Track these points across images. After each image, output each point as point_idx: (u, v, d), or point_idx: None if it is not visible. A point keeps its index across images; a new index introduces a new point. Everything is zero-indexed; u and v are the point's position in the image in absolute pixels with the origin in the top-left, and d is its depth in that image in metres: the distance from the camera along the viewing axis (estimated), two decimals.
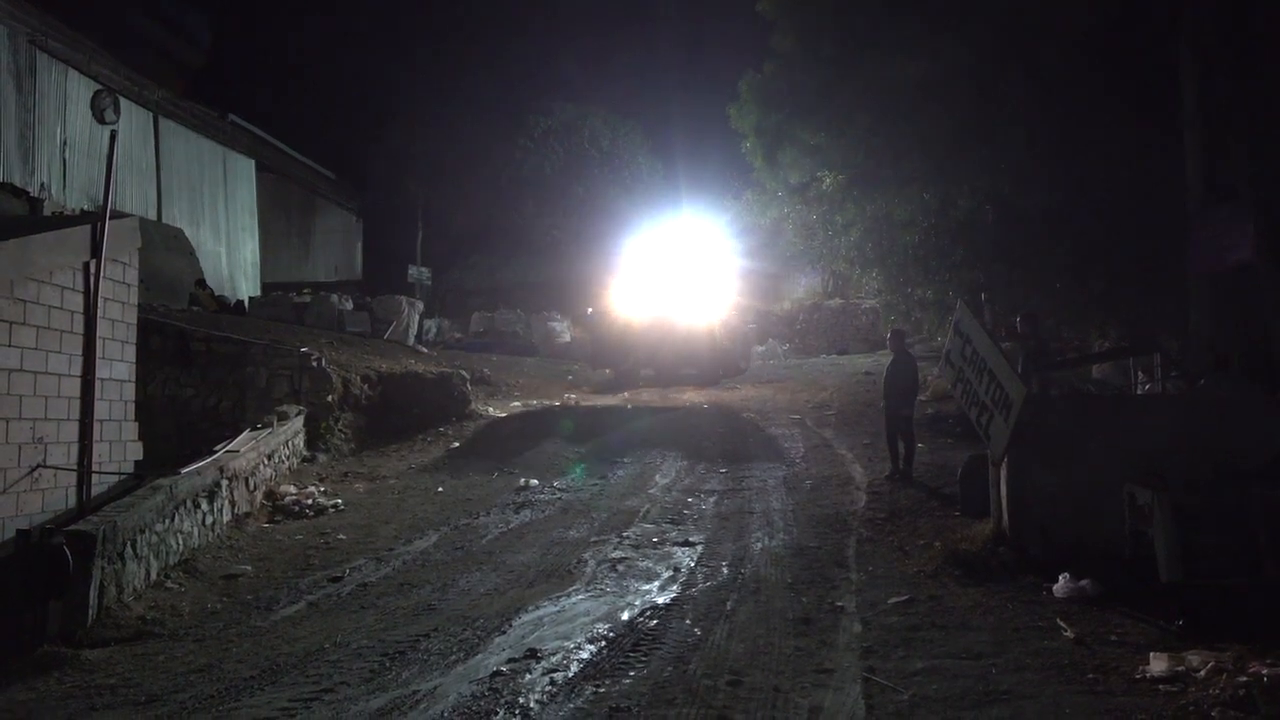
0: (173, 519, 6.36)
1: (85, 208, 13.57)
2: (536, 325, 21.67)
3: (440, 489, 8.69)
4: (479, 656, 4.43)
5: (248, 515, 7.68)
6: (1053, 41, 10.21)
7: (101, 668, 4.73)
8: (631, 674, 4.15)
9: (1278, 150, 8.52)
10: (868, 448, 9.80)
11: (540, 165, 26.41)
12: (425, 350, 16.97)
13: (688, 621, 4.89)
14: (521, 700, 3.87)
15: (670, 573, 5.91)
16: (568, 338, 21.29)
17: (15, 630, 5.01)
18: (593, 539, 6.80)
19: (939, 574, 5.73)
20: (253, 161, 20.64)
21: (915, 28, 11.10)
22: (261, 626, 5.25)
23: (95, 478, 6.39)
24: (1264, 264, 8.40)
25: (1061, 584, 5.21)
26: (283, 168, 22.79)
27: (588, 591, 5.50)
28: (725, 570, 5.94)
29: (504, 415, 12.25)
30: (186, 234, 17.42)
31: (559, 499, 8.15)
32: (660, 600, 5.29)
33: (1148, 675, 3.99)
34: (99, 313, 6.64)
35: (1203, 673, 3.93)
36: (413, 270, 23.35)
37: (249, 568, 6.49)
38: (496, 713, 3.75)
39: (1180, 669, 3.97)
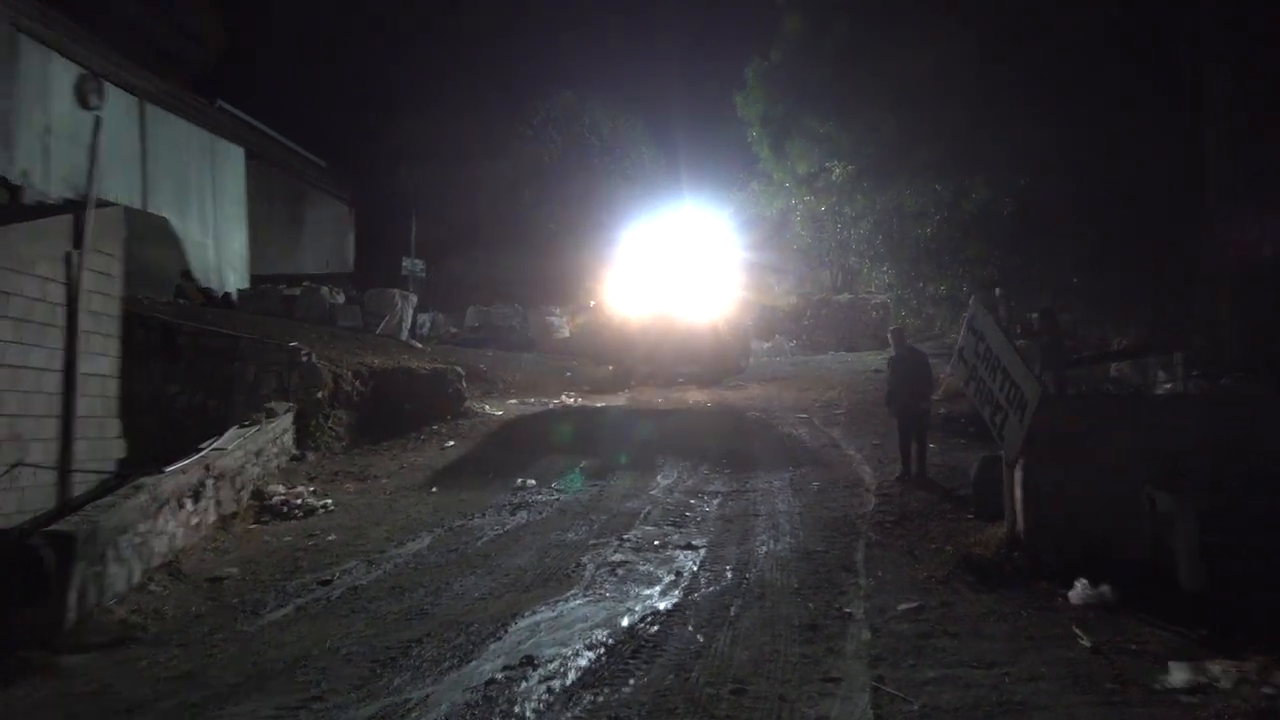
0: (156, 519, 6.35)
1: (68, 196, 13.50)
2: (534, 320, 21.67)
3: (434, 489, 8.69)
4: (473, 663, 4.41)
5: (234, 516, 7.67)
6: (1074, 26, 10.17)
7: (80, 674, 4.72)
8: (631, 682, 4.14)
9: None
10: (877, 448, 9.78)
11: (538, 154, 26.40)
12: (419, 345, 16.96)
13: (690, 628, 4.88)
14: (517, 709, 3.85)
15: (672, 577, 5.89)
16: (566, 333, 21.27)
17: None
18: (592, 542, 6.78)
19: (950, 579, 5.70)
20: (242, 149, 20.61)
21: (930, 11, 11.05)
22: (248, 631, 5.24)
23: (76, 476, 6.38)
24: None
25: (1078, 590, 5.18)
26: (273, 155, 22.76)
27: (586, 596, 5.48)
28: (729, 575, 5.92)
29: (500, 413, 12.23)
30: (173, 224, 17.39)
31: (557, 500, 8.14)
32: (661, 606, 5.27)
33: (1168, 686, 3.96)
34: (81, 305, 6.63)
35: (1226, 683, 3.90)
36: (406, 262, 23.31)
37: (235, 570, 6.48)
38: None
39: (1202, 680, 3.95)
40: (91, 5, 16.68)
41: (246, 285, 19.70)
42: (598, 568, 6.10)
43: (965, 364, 7.00)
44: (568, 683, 4.12)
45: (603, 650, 4.52)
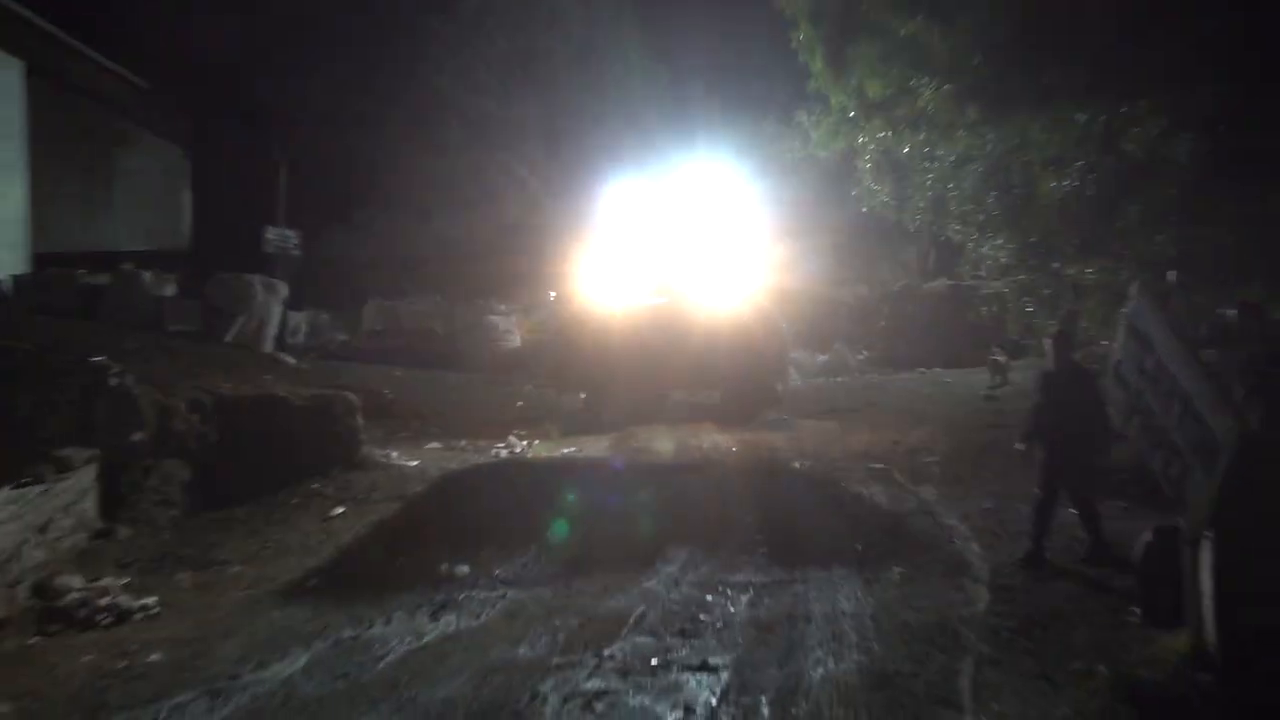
0: None
1: None
2: (467, 321, 21.74)
3: (314, 581, 8.66)
4: None
5: (3, 624, 7.60)
6: None
7: None
8: None
9: None
10: (989, 515, 9.80)
11: (471, 68, 26.47)
12: (291, 361, 16.95)
13: None
14: None
15: (679, 717, 5.85)
16: (516, 340, 21.31)
17: None
18: (556, 661, 6.73)
19: (1106, 718, 5.67)
20: (20, 63, 20.60)
21: None
22: None
23: None
24: None
25: None
26: (69, 73, 22.76)
27: None
28: (766, 713, 5.89)
29: (415, 464, 12.22)
30: None
31: (503, 598, 8.11)
32: None
33: None
34: None
35: None
36: (272, 234, 23.31)
37: (4, 709, 6.41)
38: None
39: None
40: None
41: (27, 268, 19.68)
42: (565, 701, 6.06)
43: (1125, 387, 7.01)
44: None
45: None
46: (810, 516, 10.21)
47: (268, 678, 6.72)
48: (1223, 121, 12.19)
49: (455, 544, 9.35)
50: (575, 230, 17.36)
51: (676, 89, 27.67)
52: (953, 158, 15.21)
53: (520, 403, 18.18)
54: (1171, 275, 13.77)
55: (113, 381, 10.42)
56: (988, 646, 6.87)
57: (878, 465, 12.18)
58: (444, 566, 8.73)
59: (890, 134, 15.77)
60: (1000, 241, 15.90)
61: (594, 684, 6.32)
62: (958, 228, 16.57)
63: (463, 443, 13.89)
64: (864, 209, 19.75)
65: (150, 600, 8.23)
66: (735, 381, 15.42)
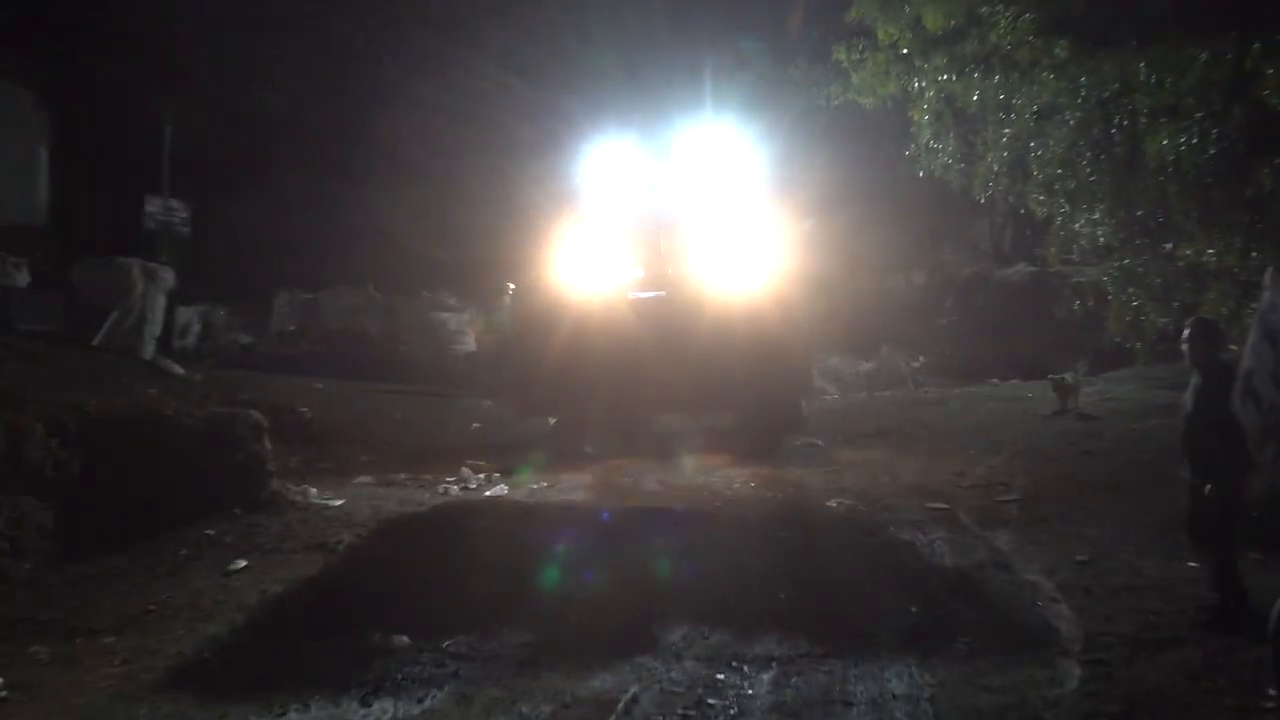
0: None
1: None
2: (409, 319, 21.78)
3: (208, 654, 8.65)
4: None
5: None
6: None
7: None
8: None
9: None
10: (1084, 569, 9.80)
11: None
12: (179, 370, 16.96)
13: None
14: None
15: None
16: (470, 343, 21.32)
17: None
18: None
19: None
20: None
21: None
22: None
23: None
24: None
25: None
26: None
27: None
28: None
29: (341, 505, 12.22)
30: None
31: (454, 675, 8.13)
32: None
33: None
34: None
35: None
36: (154, 206, 23.30)
37: None
38: None
39: None
40: None
41: None
42: None
43: (1257, 403, 7.02)
44: None
45: None
46: (850, 571, 10.20)
47: None
48: None
49: (392, 609, 9.34)
50: (547, 203, 17.32)
51: (678, 17, 27.71)
52: (1035, 107, 15.21)
53: (476, 424, 18.18)
54: None
55: None
56: None
57: (937, 505, 12.19)
58: (377, 637, 8.72)
59: (955, 77, 15.76)
60: (1097, 216, 15.87)
61: None
62: (1041, 198, 16.50)
63: (402, 476, 13.86)
64: (920, 173, 19.67)
65: None
66: (752, 399, 15.38)
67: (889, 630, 8.68)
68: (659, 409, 16.16)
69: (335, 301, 22.16)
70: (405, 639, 8.72)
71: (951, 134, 17.49)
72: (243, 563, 10.55)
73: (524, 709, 7.46)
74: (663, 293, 15.39)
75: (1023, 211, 21.15)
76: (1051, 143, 15.52)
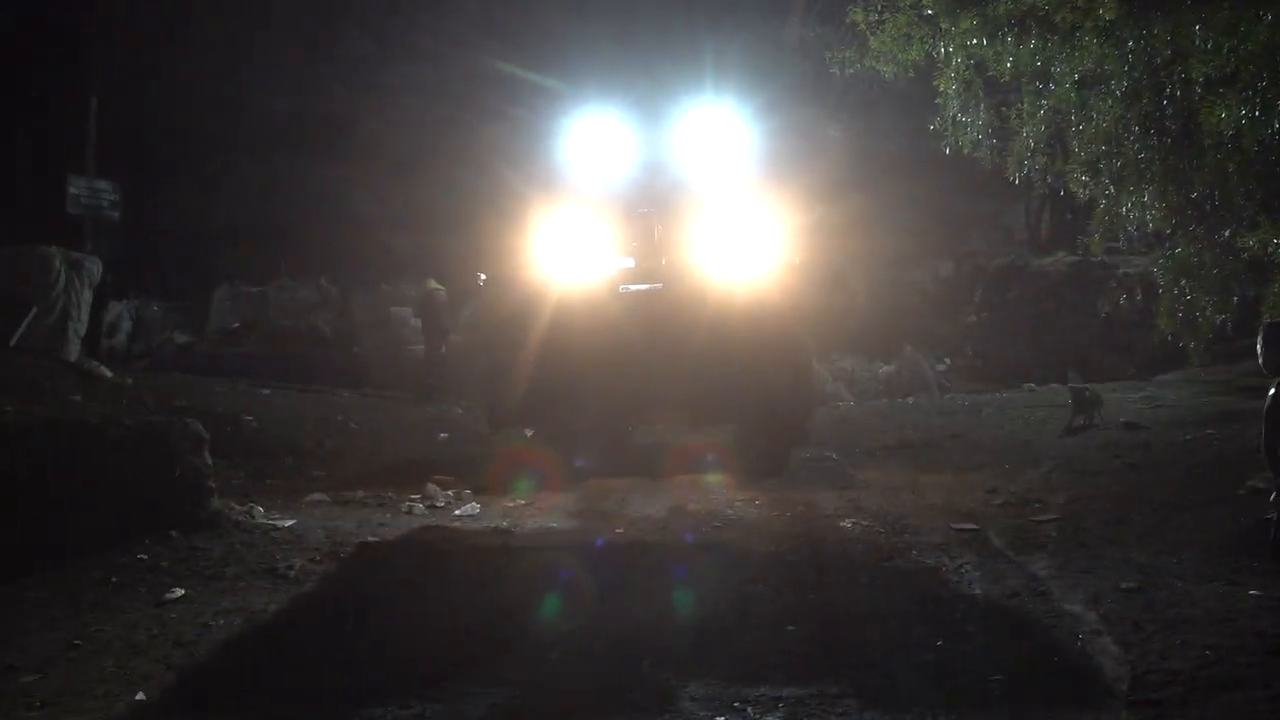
0: None
1: None
2: (367, 316, 21.79)
3: (140, 695, 8.57)
4: None
5: None
6: None
7: None
8: None
9: None
10: (1131, 598, 9.79)
11: None
12: (107, 372, 16.95)
13: None
14: None
15: None
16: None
17: None
18: None
19: None
20: None
21: None
22: None
23: None
24: None
25: None
26: None
27: None
28: None
29: (289, 524, 12.19)
30: None
31: (420, 716, 8.10)
32: None
33: None
34: None
35: None
36: (78, 188, 23.28)
37: None
38: None
39: None
40: None
41: None
42: None
43: None
44: None
45: None
46: (866, 600, 10.17)
47: None
48: None
49: (349, 656, 9.31)
50: (526, 183, 17.27)
51: None
52: (1077, 76, 15.21)
53: (444, 434, 18.15)
54: None
55: None
56: None
57: (965, 526, 12.20)
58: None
59: (986, 41, 15.74)
60: (1146, 198, 15.85)
61: None
62: (1084, 178, 16.48)
63: (360, 494, 13.84)
64: (947, 150, 19.64)
65: None
66: (756, 406, 15.34)
67: (910, 667, 8.66)
68: (652, 418, 16.15)
69: (284, 296, 22.15)
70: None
71: (982, 106, 17.47)
72: (180, 591, 10.48)
73: None
74: (659, 285, 15.32)
75: (1062, 193, 21.21)
76: (1095, 116, 15.51)
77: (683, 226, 15.78)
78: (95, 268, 19.91)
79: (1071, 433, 17.41)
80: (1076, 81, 15.20)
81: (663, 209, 15.95)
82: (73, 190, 22.94)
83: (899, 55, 17.27)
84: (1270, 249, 14.28)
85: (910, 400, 22.54)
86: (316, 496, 13.72)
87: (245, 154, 26.54)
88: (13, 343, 17.80)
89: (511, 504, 13.70)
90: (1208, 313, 15.78)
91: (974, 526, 12.12)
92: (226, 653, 9.32)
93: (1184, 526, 11.76)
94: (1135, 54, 14.26)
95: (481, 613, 10.09)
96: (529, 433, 16.10)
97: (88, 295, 19.49)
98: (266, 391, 17.87)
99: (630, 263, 15.64)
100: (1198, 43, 13.63)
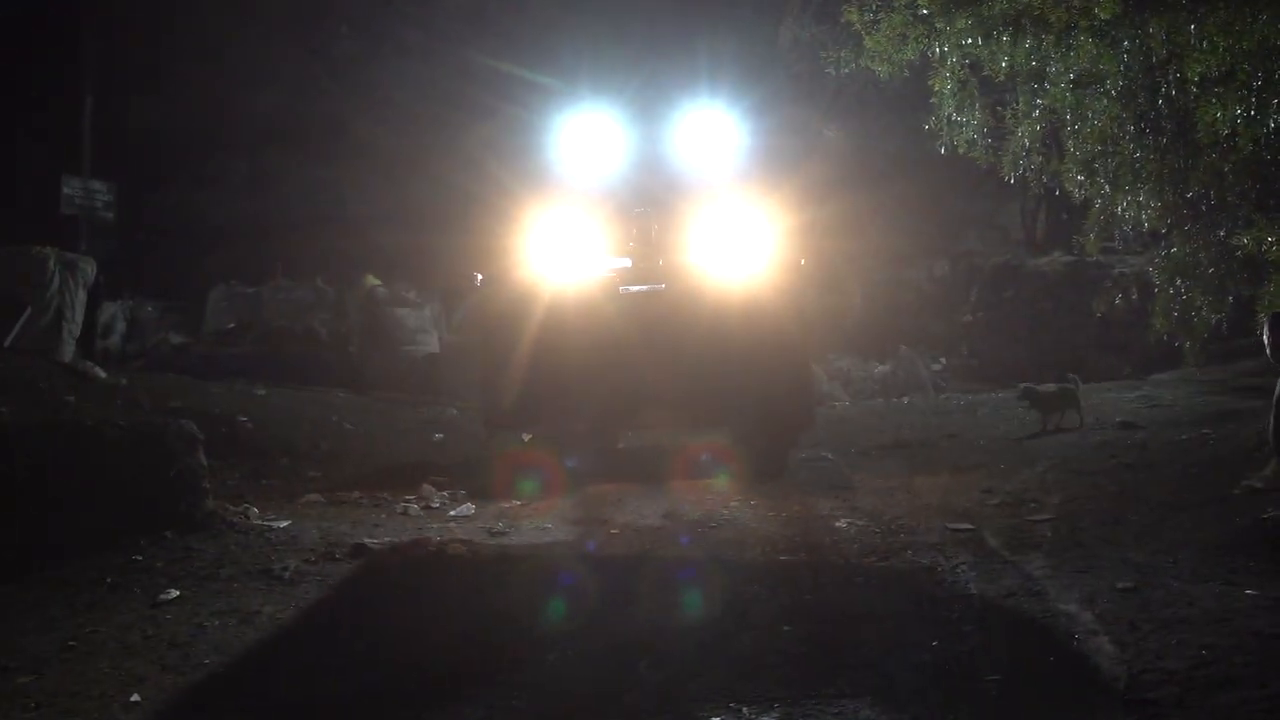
0: None
1: None
2: (361, 316, 21.79)
3: (135, 695, 8.57)
4: None
5: None
6: None
7: None
8: None
9: None
10: (1127, 597, 9.81)
11: None
12: (102, 373, 16.93)
13: None
14: None
15: None
16: (434, 344, 21.32)
17: None
18: None
19: None
20: None
21: None
22: None
23: None
24: None
25: None
26: None
27: None
28: None
29: (285, 525, 12.20)
30: None
31: None
32: None
33: None
34: None
35: None
36: (71, 188, 23.28)
37: None
38: None
39: None
40: None
41: None
42: None
43: None
44: None
45: None
46: (862, 600, 10.18)
47: None
48: None
49: (343, 664, 9.33)
50: (521, 181, 17.26)
51: None
52: (1072, 75, 15.22)
53: (439, 435, 18.14)
54: None
55: None
56: None
57: (961, 526, 12.20)
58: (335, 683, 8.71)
59: (981, 40, 15.74)
60: (1141, 198, 15.86)
61: None
62: (1079, 177, 16.47)
63: (355, 494, 13.84)
64: (942, 149, 19.64)
65: None
66: (754, 407, 15.36)
67: (907, 667, 8.67)
68: (649, 419, 16.15)
69: (279, 297, 22.13)
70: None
71: (977, 106, 17.46)
72: (175, 592, 10.47)
73: None
74: (659, 286, 15.30)
75: (1058, 193, 21.18)
76: (1090, 115, 15.52)
77: (679, 226, 15.78)
78: (90, 268, 19.88)
79: (1046, 434, 17.38)
80: (1072, 81, 15.21)
81: (659, 208, 15.95)
82: (67, 191, 22.92)
83: (894, 55, 17.27)
84: (1265, 247, 14.30)
85: (906, 400, 22.53)
86: (312, 497, 13.72)
87: (239, 153, 26.52)
88: (6, 344, 17.78)
89: (507, 505, 13.70)
90: (1203, 312, 15.79)
91: (970, 526, 12.13)
92: (221, 655, 9.29)
93: (1180, 526, 11.77)
94: (1131, 54, 14.28)
95: (477, 615, 10.09)
96: (525, 436, 16.09)
97: (82, 296, 19.46)
98: (262, 392, 17.87)
99: (627, 263, 15.63)
100: (1193, 42, 13.64)
